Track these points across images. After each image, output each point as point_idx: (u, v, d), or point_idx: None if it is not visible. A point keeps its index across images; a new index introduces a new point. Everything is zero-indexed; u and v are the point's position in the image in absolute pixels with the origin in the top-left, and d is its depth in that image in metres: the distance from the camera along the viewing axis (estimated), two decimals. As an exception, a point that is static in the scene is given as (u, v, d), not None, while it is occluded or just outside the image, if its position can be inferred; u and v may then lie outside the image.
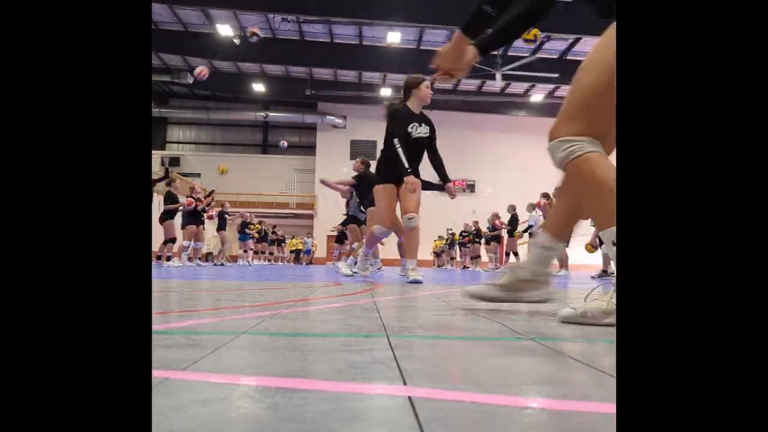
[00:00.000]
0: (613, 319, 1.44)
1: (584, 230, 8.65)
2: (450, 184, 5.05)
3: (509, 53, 18.47)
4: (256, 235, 16.10)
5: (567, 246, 8.45)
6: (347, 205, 8.82)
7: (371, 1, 15.61)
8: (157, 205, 9.06)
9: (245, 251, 14.99)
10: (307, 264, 21.54)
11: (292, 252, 23.55)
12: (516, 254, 12.20)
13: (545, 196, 9.74)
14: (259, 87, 22.16)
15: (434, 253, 21.99)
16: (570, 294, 3.33)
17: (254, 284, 3.60)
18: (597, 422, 0.58)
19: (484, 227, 15.39)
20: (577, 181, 1.74)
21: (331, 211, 20.55)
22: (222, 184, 24.80)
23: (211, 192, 11.40)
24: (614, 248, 2.46)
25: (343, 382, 0.73)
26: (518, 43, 17.93)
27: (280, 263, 20.10)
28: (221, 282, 3.90)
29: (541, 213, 10.25)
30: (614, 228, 2.03)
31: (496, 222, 13.37)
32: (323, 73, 22.17)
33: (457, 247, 17.05)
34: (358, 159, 7.83)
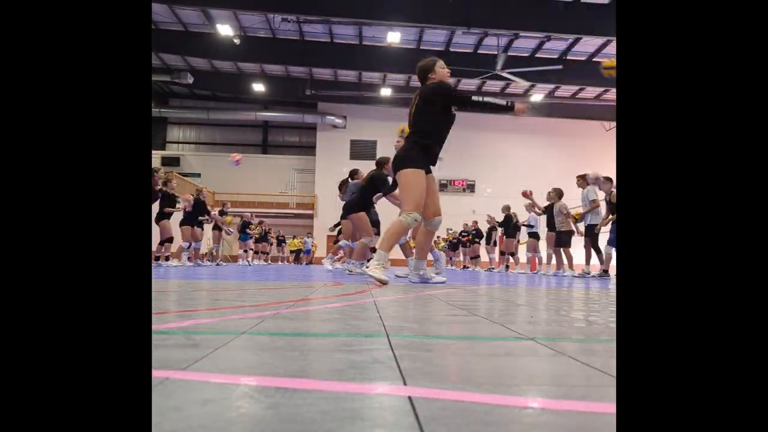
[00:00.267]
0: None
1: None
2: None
3: (509, 53, 18.46)
4: (257, 235, 16.10)
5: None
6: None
7: (371, 1, 15.61)
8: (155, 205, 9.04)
9: (245, 251, 14.98)
10: (307, 264, 21.55)
11: (292, 252, 23.55)
12: (513, 254, 12.19)
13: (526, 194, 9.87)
14: (259, 87, 22.15)
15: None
16: (573, 294, 3.33)
17: (254, 284, 3.60)
18: (597, 422, 0.58)
19: (484, 227, 15.41)
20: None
21: (331, 211, 20.56)
22: (222, 184, 24.81)
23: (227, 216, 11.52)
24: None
25: (343, 382, 0.73)
26: (518, 43, 17.96)
27: (280, 263, 20.10)
28: (221, 282, 3.90)
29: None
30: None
31: (488, 217, 13.44)
32: (323, 73, 22.16)
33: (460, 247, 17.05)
34: (357, 173, 7.47)
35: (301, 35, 18.96)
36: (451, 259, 18.24)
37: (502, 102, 4.29)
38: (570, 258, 8.94)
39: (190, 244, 10.21)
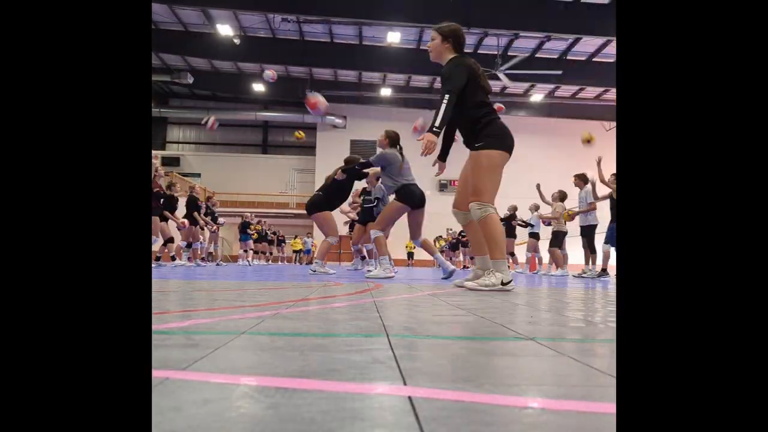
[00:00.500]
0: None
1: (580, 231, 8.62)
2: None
3: (509, 53, 18.47)
4: (255, 235, 16.10)
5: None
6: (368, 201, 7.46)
7: (371, 1, 15.61)
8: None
9: (245, 251, 14.98)
10: (307, 264, 21.54)
11: (295, 252, 23.56)
12: (512, 254, 12.20)
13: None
14: (259, 87, 22.16)
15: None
16: (568, 293, 3.33)
17: (254, 284, 3.60)
18: (597, 422, 0.58)
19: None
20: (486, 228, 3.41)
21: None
22: (222, 184, 24.81)
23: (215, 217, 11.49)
24: (491, 269, 3.47)
25: (343, 382, 0.73)
26: (518, 42, 17.95)
27: (280, 263, 20.09)
28: (221, 282, 3.90)
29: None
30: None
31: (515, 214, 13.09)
32: (323, 73, 22.17)
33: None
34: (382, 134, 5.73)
35: (301, 35, 18.96)
36: (451, 259, 18.25)
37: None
38: (559, 258, 8.99)
39: (190, 244, 10.20)
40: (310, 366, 0.84)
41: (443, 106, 3.35)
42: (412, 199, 5.30)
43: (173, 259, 9.33)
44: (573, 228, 9.02)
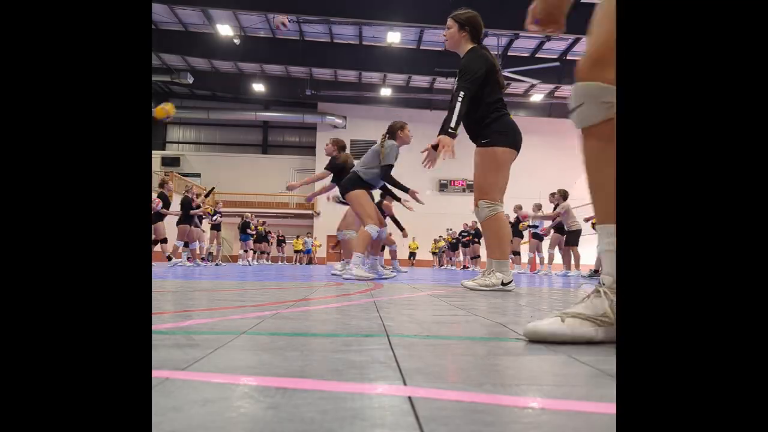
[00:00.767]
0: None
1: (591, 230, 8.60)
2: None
3: (509, 53, 18.47)
4: (255, 236, 16.11)
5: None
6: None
7: (371, 1, 15.61)
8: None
9: (245, 251, 15.00)
10: (307, 264, 21.56)
11: (297, 252, 23.58)
12: (517, 254, 12.21)
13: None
14: (259, 87, 22.17)
15: (433, 252, 22.02)
16: (568, 293, 3.33)
17: (254, 284, 3.60)
18: (597, 422, 0.58)
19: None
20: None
21: (331, 211, 20.56)
22: (222, 184, 24.81)
23: (211, 190, 11.41)
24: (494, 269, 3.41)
25: (343, 382, 0.73)
26: (518, 42, 17.95)
27: (280, 263, 20.10)
28: (221, 282, 3.90)
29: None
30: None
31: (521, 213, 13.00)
32: (323, 73, 22.18)
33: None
34: (329, 141, 6.08)
35: (301, 35, 18.96)
36: (451, 259, 18.26)
37: (407, 188, 4.88)
38: (578, 258, 8.96)
39: (187, 244, 10.21)
40: (310, 366, 0.84)
41: (458, 105, 3.22)
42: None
43: (169, 258, 9.34)
44: (587, 227, 8.99)
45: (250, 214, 15.78)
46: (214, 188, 12.69)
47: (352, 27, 18.17)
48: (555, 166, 23.41)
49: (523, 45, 18.24)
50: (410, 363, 0.87)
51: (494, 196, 3.39)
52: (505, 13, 15.24)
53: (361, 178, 4.94)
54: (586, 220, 8.44)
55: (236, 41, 18.00)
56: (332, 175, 5.87)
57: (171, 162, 25.82)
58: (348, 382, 0.73)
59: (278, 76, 22.58)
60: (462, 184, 24.76)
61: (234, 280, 4.34)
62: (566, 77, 19.02)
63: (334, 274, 5.68)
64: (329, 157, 6.01)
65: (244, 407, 0.61)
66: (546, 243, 10.44)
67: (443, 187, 24.83)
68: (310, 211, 25.65)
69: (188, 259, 10.49)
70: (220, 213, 12.97)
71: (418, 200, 5.32)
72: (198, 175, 25.50)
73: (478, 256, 15.59)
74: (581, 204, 8.67)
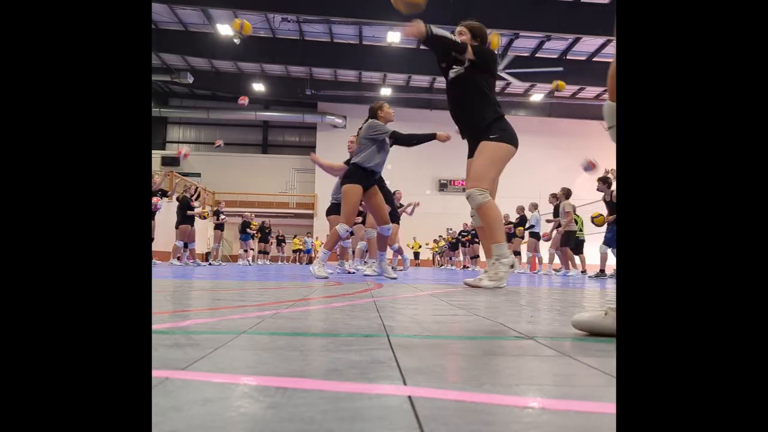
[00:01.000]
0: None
1: (593, 229, 8.57)
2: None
3: (509, 52, 18.47)
4: (258, 235, 16.11)
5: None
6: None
7: (371, 1, 15.61)
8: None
9: (245, 251, 15.00)
10: (307, 263, 21.56)
11: (295, 252, 23.58)
12: (518, 254, 12.21)
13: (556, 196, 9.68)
14: (259, 87, 22.17)
15: (433, 252, 22.04)
16: (568, 293, 3.33)
17: (254, 284, 3.60)
18: (597, 422, 0.58)
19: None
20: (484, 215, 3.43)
21: (331, 210, 20.57)
22: (222, 184, 24.80)
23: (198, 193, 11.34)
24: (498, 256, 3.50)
25: (343, 382, 0.73)
26: (518, 43, 17.94)
27: (280, 263, 20.09)
28: (221, 282, 3.90)
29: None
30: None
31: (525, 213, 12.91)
32: (323, 73, 22.17)
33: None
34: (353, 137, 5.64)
35: (301, 35, 18.96)
36: (451, 259, 18.26)
37: (428, 133, 4.75)
38: (572, 258, 8.95)
39: (186, 244, 10.21)
40: (310, 366, 0.84)
41: (448, 35, 3.58)
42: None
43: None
44: (586, 228, 8.98)
45: (250, 214, 15.78)
46: (198, 189, 12.66)
47: (352, 27, 18.16)
48: (555, 166, 23.41)
49: (524, 45, 18.23)
50: (410, 363, 0.87)
51: (486, 186, 3.54)
52: (505, 13, 15.25)
53: (362, 167, 4.87)
54: (593, 218, 8.42)
55: (236, 41, 18.00)
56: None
57: (171, 162, 25.80)
58: (348, 382, 0.73)
59: (278, 76, 22.58)
60: (462, 184, 24.74)
61: (234, 280, 4.34)
62: (566, 77, 19.01)
63: (367, 275, 5.62)
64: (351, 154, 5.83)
65: (244, 407, 0.61)
66: (545, 243, 10.44)
67: (443, 186, 24.83)
68: (310, 211, 25.65)
69: (187, 258, 10.49)
70: (222, 213, 12.97)
71: (444, 138, 4.86)
72: (198, 175, 25.48)
73: (478, 256, 15.59)
74: (582, 204, 8.67)
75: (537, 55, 18.68)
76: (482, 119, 3.59)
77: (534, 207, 11.00)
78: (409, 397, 0.65)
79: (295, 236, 24.12)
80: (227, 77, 22.66)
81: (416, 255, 22.46)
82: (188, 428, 0.53)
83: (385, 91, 22.15)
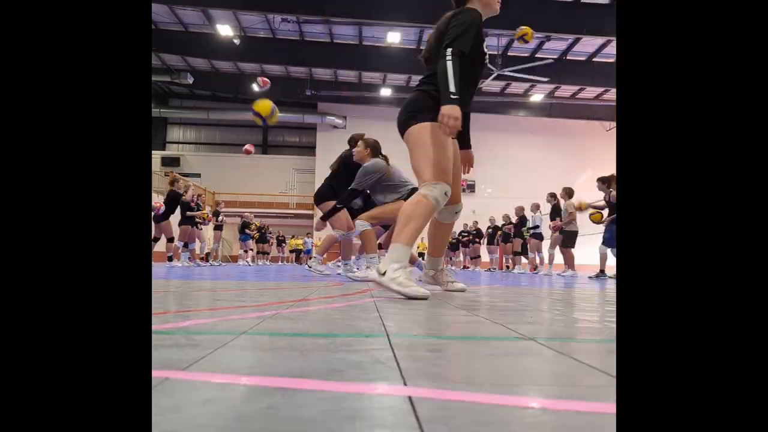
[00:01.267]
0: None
1: (592, 230, 8.56)
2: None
3: (509, 53, 18.47)
4: (257, 235, 16.11)
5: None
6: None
7: (371, 1, 15.62)
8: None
9: (245, 251, 15.00)
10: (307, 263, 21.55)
11: (292, 252, 23.58)
12: (518, 254, 12.21)
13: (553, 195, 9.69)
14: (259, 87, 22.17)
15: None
16: (574, 293, 3.33)
17: (254, 284, 3.60)
18: (597, 422, 0.58)
19: (484, 227, 15.40)
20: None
21: (331, 211, 20.53)
22: (222, 184, 24.81)
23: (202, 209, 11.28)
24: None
25: (343, 382, 0.73)
26: (518, 42, 17.95)
27: (280, 263, 20.09)
28: (221, 282, 3.90)
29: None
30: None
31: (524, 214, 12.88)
32: (323, 73, 22.17)
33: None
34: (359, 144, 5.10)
35: (301, 35, 18.96)
36: (451, 259, 18.25)
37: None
38: (572, 258, 8.94)
39: (187, 244, 10.22)
40: (310, 366, 0.83)
41: (450, 65, 2.50)
42: None
43: (170, 259, 9.36)
44: (584, 227, 8.96)
45: (249, 214, 15.78)
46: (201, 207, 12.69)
47: (352, 27, 18.16)
48: (555, 166, 23.39)
49: (524, 45, 18.24)
50: (410, 363, 0.87)
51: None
52: (505, 13, 15.23)
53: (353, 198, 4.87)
54: (590, 215, 8.40)
55: (236, 41, 18.00)
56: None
57: (171, 162, 25.80)
58: (348, 382, 0.73)
59: (278, 76, 22.58)
60: (462, 184, 24.72)
61: (234, 280, 4.34)
62: (566, 77, 19.02)
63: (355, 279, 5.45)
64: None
65: (244, 407, 0.61)
66: (546, 243, 10.43)
67: (443, 187, 24.80)
68: (309, 212, 25.65)
69: (189, 259, 10.49)
70: (221, 213, 12.97)
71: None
72: (198, 175, 25.48)
73: (479, 256, 15.59)
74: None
75: (537, 55, 18.68)
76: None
77: (536, 207, 10.99)
78: (409, 397, 0.65)
79: (293, 236, 24.12)
80: (227, 77, 22.66)
81: (421, 255, 22.42)
82: (188, 428, 0.53)
83: (385, 92, 22.15)
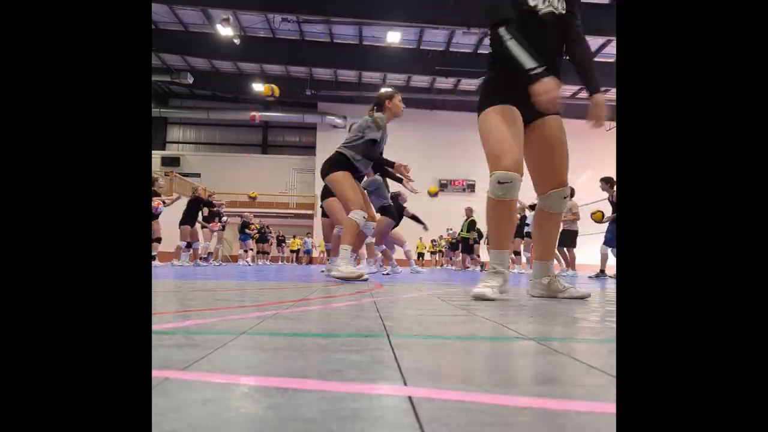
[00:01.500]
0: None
1: (592, 230, 8.54)
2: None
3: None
4: (257, 235, 16.12)
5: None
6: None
7: (371, 1, 15.62)
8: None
9: (245, 251, 15.00)
10: (307, 263, 21.57)
11: (293, 252, 23.60)
12: (518, 254, 12.21)
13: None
14: (259, 87, 22.15)
15: (432, 252, 22.04)
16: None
17: (254, 284, 3.60)
18: (597, 422, 0.58)
19: (484, 227, 15.38)
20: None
21: (331, 211, 20.54)
22: (222, 184, 24.81)
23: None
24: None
25: (343, 382, 0.73)
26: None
27: (280, 263, 20.09)
28: (221, 282, 3.90)
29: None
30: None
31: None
32: (323, 73, 22.18)
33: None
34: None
35: (301, 35, 18.96)
36: (450, 259, 18.25)
37: (390, 161, 4.18)
38: (573, 258, 8.94)
39: (189, 244, 10.23)
40: (310, 366, 0.83)
41: (513, 43, 2.29)
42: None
43: (153, 258, 9.39)
44: (585, 227, 8.94)
45: (249, 214, 15.78)
46: (223, 219, 12.73)
47: (352, 27, 18.16)
48: (555, 166, 23.36)
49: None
50: (410, 363, 0.87)
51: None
52: (505, 13, 15.21)
53: (347, 158, 4.24)
54: (591, 214, 8.35)
55: (236, 41, 18.00)
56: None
57: (171, 162, 25.81)
58: (348, 382, 0.73)
59: (278, 76, 22.59)
60: (462, 184, 24.73)
61: (234, 280, 4.34)
62: (566, 77, 18.99)
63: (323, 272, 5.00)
64: None
65: (244, 407, 0.61)
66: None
67: (443, 187, 24.81)
68: (310, 212, 25.66)
69: (190, 258, 10.51)
70: (223, 213, 12.98)
71: (407, 176, 4.49)
72: (198, 175, 25.48)
73: (478, 256, 15.58)
74: (583, 203, 8.66)
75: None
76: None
77: (532, 208, 11.00)
78: (409, 398, 0.65)
79: (294, 236, 24.13)
80: (227, 77, 22.66)
81: (420, 255, 22.43)
82: (188, 428, 0.53)
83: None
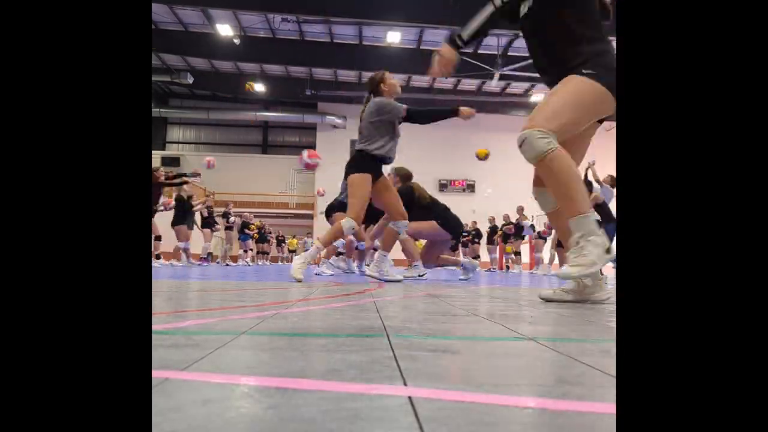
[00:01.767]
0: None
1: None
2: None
3: (509, 53, 18.47)
4: (256, 235, 16.13)
5: None
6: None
7: (371, 1, 15.62)
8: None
9: (245, 251, 15.00)
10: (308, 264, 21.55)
11: (291, 252, 23.62)
12: (518, 254, 12.22)
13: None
14: (259, 87, 22.17)
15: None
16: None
17: (254, 284, 3.60)
18: (597, 422, 0.58)
19: (483, 227, 15.40)
20: (551, 173, 2.28)
21: (331, 211, 20.54)
22: (222, 184, 24.80)
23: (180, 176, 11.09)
24: (583, 233, 2.35)
25: (343, 382, 0.73)
26: (518, 42, 17.93)
27: (280, 263, 20.09)
28: (221, 282, 3.90)
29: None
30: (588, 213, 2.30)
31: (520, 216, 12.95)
32: (323, 73, 22.18)
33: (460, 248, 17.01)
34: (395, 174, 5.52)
35: (301, 35, 18.96)
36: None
37: (448, 108, 4.17)
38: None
39: (200, 246, 10.25)
40: (310, 366, 0.83)
41: (481, 16, 2.59)
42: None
43: (158, 257, 9.37)
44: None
45: (249, 214, 15.79)
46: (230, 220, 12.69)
47: (352, 27, 18.17)
48: (555, 166, 23.35)
49: (524, 45, 18.25)
50: (410, 363, 0.87)
51: (554, 128, 2.31)
52: (505, 13, 15.22)
53: (364, 155, 4.20)
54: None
55: (236, 41, 18.00)
56: None
57: (171, 162, 25.80)
58: (348, 382, 0.73)
59: (278, 76, 22.59)
60: (462, 184, 24.72)
61: (234, 280, 4.34)
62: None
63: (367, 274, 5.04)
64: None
65: (244, 407, 0.61)
66: (548, 243, 10.43)
67: (443, 187, 24.80)
68: (310, 212, 25.65)
69: (187, 259, 10.52)
70: (231, 214, 12.99)
71: (467, 114, 4.21)
72: (198, 175, 25.48)
73: (478, 257, 15.58)
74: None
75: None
76: (567, 60, 2.46)
77: (521, 210, 11.01)
78: (409, 398, 0.65)
79: (294, 236, 24.14)
80: (227, 77, 22.66)
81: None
82: (188, 428, 0.53)
83: (385, 92, 22.16)
